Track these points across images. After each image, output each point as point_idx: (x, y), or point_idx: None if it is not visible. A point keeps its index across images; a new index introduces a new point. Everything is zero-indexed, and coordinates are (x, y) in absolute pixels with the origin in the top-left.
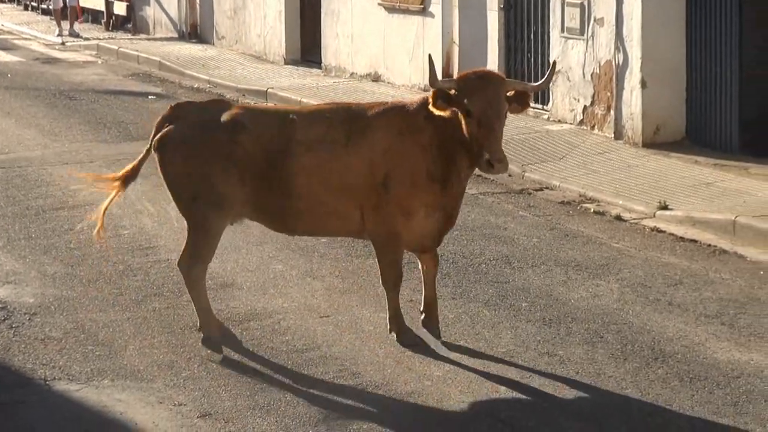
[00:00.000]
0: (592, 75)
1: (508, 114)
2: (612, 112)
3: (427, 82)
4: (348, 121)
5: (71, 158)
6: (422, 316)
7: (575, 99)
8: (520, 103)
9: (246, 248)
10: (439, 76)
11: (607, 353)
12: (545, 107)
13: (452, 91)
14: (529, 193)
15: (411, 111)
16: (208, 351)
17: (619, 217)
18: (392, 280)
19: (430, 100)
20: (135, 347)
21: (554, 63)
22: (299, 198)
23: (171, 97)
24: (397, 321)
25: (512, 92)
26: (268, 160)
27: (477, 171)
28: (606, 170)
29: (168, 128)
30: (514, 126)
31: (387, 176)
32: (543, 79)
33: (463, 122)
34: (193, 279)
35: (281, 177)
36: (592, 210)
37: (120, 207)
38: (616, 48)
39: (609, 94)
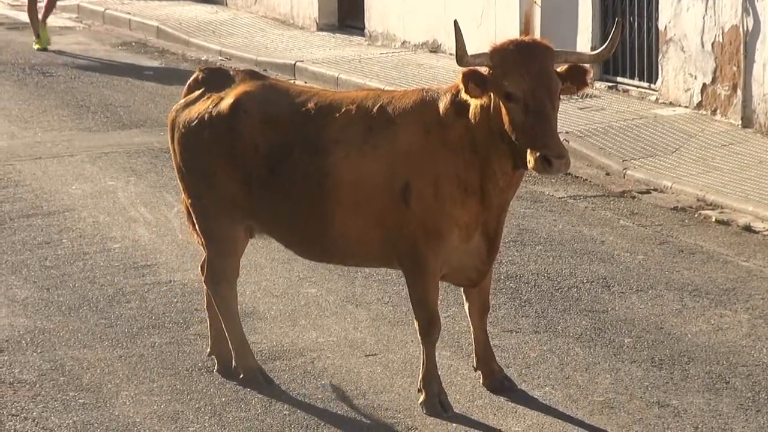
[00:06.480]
0: (713, 44)
1: (562, 97)
2: (739, 92)
3: None
4: (371, 115)
5: (46, 151)
6: (480, 378)
7: (691, 75)
8: (575, 81)
9: (270, 267)
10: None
11: (735, 403)
12: (652, 86)
13: (485, 70)
14: (633, 197)
15: (438, 101)
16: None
17: (748, 228)
18: (424, 324)
19: (461, 84)
20: (129, 394)
21: (618, 22)
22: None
23: (172, 73)
24: (428, 380)
25: (564, 67)
26: (271, 157)
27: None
28: (731, 167)
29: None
30: (614, 110)
31: (407, 186)
32: (604, 46)
33: (503, 110)
34: (218, 301)
35: (286, 181)
36: (713, 218)
37: (109, 213)
38: (745, 10)
39: (735, 68)
